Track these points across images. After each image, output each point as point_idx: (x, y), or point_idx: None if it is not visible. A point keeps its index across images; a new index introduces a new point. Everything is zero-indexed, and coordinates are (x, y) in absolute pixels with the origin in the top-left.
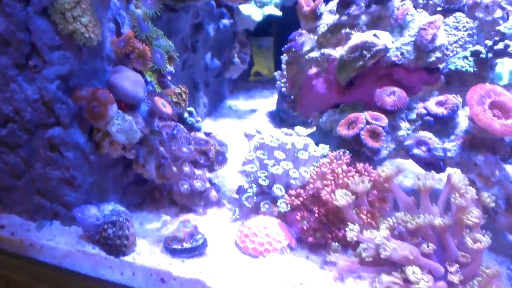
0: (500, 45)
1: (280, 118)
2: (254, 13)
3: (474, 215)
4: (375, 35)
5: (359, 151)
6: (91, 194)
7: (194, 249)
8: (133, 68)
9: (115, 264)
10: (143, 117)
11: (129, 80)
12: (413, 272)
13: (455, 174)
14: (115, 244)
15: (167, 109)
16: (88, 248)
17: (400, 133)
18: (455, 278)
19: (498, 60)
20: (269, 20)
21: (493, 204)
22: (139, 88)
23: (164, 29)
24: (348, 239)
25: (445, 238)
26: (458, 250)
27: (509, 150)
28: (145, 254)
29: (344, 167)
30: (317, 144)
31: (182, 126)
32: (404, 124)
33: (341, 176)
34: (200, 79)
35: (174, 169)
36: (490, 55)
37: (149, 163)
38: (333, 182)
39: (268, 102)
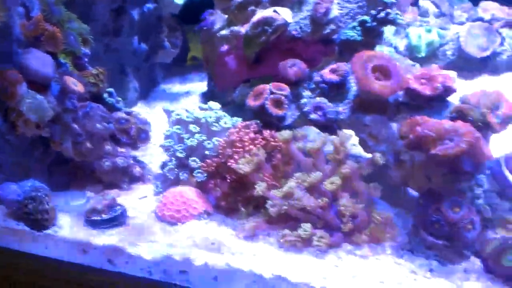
0: (382, 14)
1: (211, 97)
2: None
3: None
4: (275, 11)
5: (270, 121)
6: (15, 175)
7: (113, 219)
8: (45, 50)
9: (39, 238)
10: (55, 96)
11: (39, 61)
12: (304, 230)
13: (341, 133)
14: (36, 218)
15: (79, 88)
16: (13, 224)
17: (303, 101)
18: (346, 227)
19: (415, 33)
20: (203, 4)
21: (381, 162)
22: (48, 68)
23: (80, 13)
24: (255, 193)
25: (336, 192)
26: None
27: (395, 109)
28: (67, 227)
29: (252, 135)
30: (233, 117)
31: (99, 105)
32: (306, 93)
33: (247, 143)
34: (128, 63)
35: (89, 145)
36: (374, 23)
37: (66, 141)
38: (241, 150)
39: (203, 84)
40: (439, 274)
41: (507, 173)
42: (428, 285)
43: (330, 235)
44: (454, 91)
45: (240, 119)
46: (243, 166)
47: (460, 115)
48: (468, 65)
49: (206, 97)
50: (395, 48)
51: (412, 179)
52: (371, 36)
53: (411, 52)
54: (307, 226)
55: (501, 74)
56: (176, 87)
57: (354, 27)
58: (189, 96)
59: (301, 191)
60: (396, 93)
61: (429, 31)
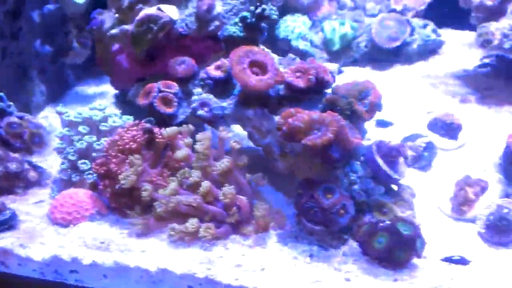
0: (259, 9)
1: (123, 97)
2: None
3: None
4: (159, 8)
5: (162, 119)
6: None
7: (2, 223)
8: None
9: None
10: None
11: None
12: (191, 223)
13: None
14: None
15: None
16: None
17: (194, 98)
18: (232, 218)
19: (329, 27)
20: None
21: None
22: None
23: None
24: (143, 199)
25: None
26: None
27: (277, 102)
28: None
29: (134, 133)
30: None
31: None
32: (197, 90)
33: (127, 142)
34: (32, 67)
35: None
36: (254, 19)
37: None
38: (122, 148)
39: None
40: (319, 259)
41: (378, 159)
42: (307, 269)
43: (217, 227)
44: (328, 82)
45: (131, 118)
46: (124, 181)
47: (330, 105)
48: (382, 56)
49: (118, 97)
50: (311, 42)
51: (296, 169)
52: (253, 31)
53: (326, 45)
54: (194, 220)
55: (414, 63)
56: (91, 88)
57: (236, 23)
58: (103, 97)
59: (184, 190)
60: (275, 87)
61: (342, 24)
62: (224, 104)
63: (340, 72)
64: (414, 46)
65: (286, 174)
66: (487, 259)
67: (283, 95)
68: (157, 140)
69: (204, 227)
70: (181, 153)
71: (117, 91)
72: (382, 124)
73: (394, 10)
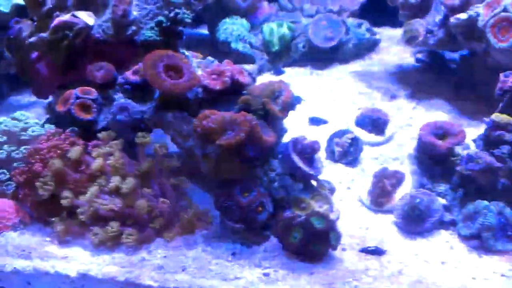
0: (172, 14)
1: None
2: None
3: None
4: (73, 14)
5: (83, 126)
6: None
7: None
8: None
9: None
10: None
11: None
12: (112, 228)
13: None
14: None
15: None
16: None
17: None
18: (156, 224)
19: (268, 28)
20: None
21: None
22: None
23: None
24: (64, 205)
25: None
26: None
27: (197, 105)
28: None
29: (53, 142)
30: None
31: None
32: (119, 95)
33: (46, 151)
34: None
35: None
36: (169, 23)
37: None
38: (39, 157)
39: None
40: (241, 256)
41: (294, 156)
42: (228, 267)
43: (141, 231)
44: (244, 83)
45: (52, 126)
46: (42, 189)
47: (244, 105)
48: (320, 55)
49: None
50: (251, 44)
51: (217, 170)
52: (170, 36)
53: (266, 47)
54: (114, 224)
55: (351, 62)
56: (26, 98)
57: (152, 28)
58: (38, 106)
59: (105, 195)
60: (193, 90)
61: (280, 25)
62: (144, 108)
63: (280, 72)
64: (350, 45)
65: (210, 175)
66: (402, 248)
67: (201, 97)
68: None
69: (126, 233)
70: (94, 166)
71: (51, 100)
72: (316, 122)
73: (331, 11)
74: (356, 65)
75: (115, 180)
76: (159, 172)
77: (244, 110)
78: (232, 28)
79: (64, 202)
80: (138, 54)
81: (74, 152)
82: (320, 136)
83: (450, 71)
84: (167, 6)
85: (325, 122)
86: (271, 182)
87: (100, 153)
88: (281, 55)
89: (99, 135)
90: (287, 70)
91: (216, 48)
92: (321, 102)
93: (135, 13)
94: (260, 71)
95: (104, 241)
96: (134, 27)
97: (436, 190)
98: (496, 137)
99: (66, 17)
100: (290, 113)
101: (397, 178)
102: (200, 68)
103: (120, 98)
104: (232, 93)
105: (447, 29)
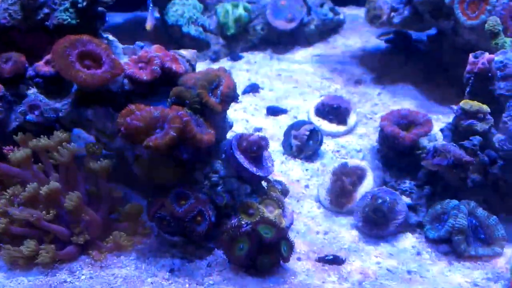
0: None
1: None
2: None
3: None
4: None
5: None
6: None
7: None
8: None
9: None
10: None
11: None
12: (27, 246)
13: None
14: None
15: None
16: None
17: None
18: (80, 239)
19: (223, 9)
20: None
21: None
22: None
23: None
24: None
25: (58, 201)
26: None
27: (124, 99)
28: None
29: None
30: None
31: None
32: (33, 91)
33: None
34: None
35: None
36: (85, 3)
37: None
38: None
39: None
40: (180, 273)
41: (239, 155)
42: (165, 286)
43: (61, 248)
44: (178, 72)
45: None
46: None
47: (178, 99)
48: (280, 38)
49: None
50: (204, 27)
51: (151, 174)
52: (89, 18)
53: (221, 30)
54: (31, 243)
55: (314, 44)
56: None
57: (66, 9)
58: None
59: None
60: (117, 81)
61: (235, 6)
62: (58, 104)
63: (238, 57)
64: (312, 26)
65: (144, 179)
66: (364, 256)
67: (128, 90)
68: None
69: (42, 249)
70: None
71: None
72: (274, 111)
73: None
74: (319, 48)
75: (30, 188)
76: (86, 178)
77: (177, 103)
78: (183, 9)
79: None
80: (53, 41)
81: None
82: (278, 127)
83: (417, 53)
84: None
85: (284, 111)
86: (213, 187)
87: (18, 157)
88: (238, 39)
89: (16, 137)
90: (245, 55)
91: (165, 33)
92: (281, 89)
93: None
94: (216, 57)
95: (16, 260)
96: (46, 10)
97: (400, 187)
98: (465, 127)
99: None
100: (247, 102)
101: (358, 175)
102: (126, 55)
103: (33, 94)
104: (165, 83)
105: (413, 7)
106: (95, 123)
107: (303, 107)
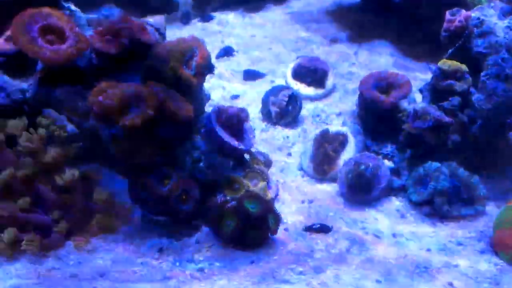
0: None
1: None
2: None
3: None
4: None
5: None
6: None
7: None
8: None
9: None
10: None
11: None
12: (8, 235)
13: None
14: None
15: None
16: None
17: None
18: (61, 228)
19: None
20: None
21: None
22: None
23: None
24: None
25: (33, 187)
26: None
27: (94, 75)
28: None
29: None
30: None
31: None
32: None
33: None
34: None
35: None
36: None
37: None
38: None
39: None
40: (169, 252)
41: (218, 129)
42: (155, 266)
43: (46, 235)
44: (148, 43)
45: None
46: None
47: (150, 72)
48: None
49: None
50: None
51: (130, 153)
52: None
53: None
54: (10, 231)
55: (286, 2)
56: None
57: None
58: None
59: None
60: (84, 56)
61: None
62: (25, 85)
63: (209, 18)
64: None
65: (122, 159)
66: (349, 222)
67: (97, 65)
68: None
69: (26, 239)
70: None
71: None
72: (251, 75)
73: None
74: (293, 4)
75: (5, 174)
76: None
77: (150, 78)
78: None
79: None
80: (11, 15)
81: None
82: (256, 93)
83: (393, 7)
84: None
85: (261, 75)
86: (195, 163)
87: None
88: None
89: None
90: (217, 15)
91: None
92: (256, 52)
93: None
94: (186, 18)
95: (2, 250)
96: None
97: (382, 151)
98: (444, 87)
99: None
100: (222, 68)
101: (340, 141)
102: (91, 27)
103: None
104: (135, 56)
105: None
106: (65, 102)
107: (279, 70)
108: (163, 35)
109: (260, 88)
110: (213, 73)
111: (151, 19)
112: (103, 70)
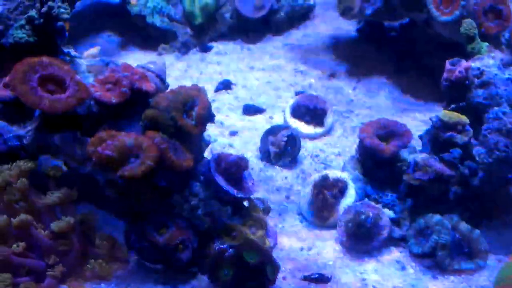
0: (45, 8)
1: None
2: None
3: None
4: None
5: None
6: None
7: None
8: None
9: None
10: None
11: None
12: (2, 282)
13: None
14: None
15: None
16: None
17: None
18: (56, 272)
19: None
20: None
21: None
22: None
23: None
24: None
25: (28, 232)
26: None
27: (93, 122)
28: None
29: None
30: None
31: None
32: None
33: None
34: None
35: None
36: (42, 20)
37: None
38: None
39: None
40: None
41: (218, 177)
42: None
43: (40, 280)
44: (149, 92)
45: None
46: None
47: (151, 122)
48: (250, 26)
49: None
50: (170, 16)
51: (126, 198)
52: (47, 35)
53: (188, 19)
54: (5, 277)
55: (284, 32)
56: None
57: (23, 26)
58: None
59: None
60: (84, 103)
61: None
62: (22, 131)
63: (207, 48)
64: (282, 13)
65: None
66: (349, 273)
67: (96, 112)
68: None
69: (23, 286)
70: None
71: None
72: (250, 110)
73: None
74: (291, 37)
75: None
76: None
77: (150, 127)
78: None
79: None
80: (9, 59)
81: None
82: (255, 130)
83: (390, 40)
84: None
85: (260, 110)
86: (193, 210)
87: None
88: (206, 28)
89: None
90: (215, 45)
91: (128, 23)
92: (254, 85)
93: None
94: (185, 48)
95: None
96: (0, 26)
97: (382, 200)
98: (445, 139)
99: None
100: (220, 102)
101: (339, 188)
102: (91, 74)
103: None
104: (135, 104)
105: None
106: (62, 149)
107: (278, 104)
108: (163, 81)
109: (258, 124)
110: (214, 122)
111: (151, 65)
112: (103, 116)
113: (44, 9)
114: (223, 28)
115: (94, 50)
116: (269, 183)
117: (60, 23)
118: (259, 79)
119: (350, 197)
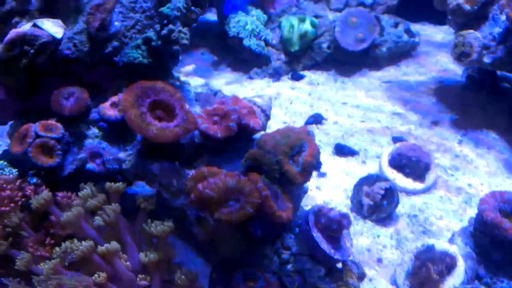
0: (164, 31)
1: None
2: None
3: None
4: (35, 24)
5: (43, 172)
6: None
7: None
8: None
9: None
10: None
11: None
12: None
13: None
14: None
15: None
16: None
17: (89, 141)
18: None
19: (287, 23)
20: None
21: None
22: None
23: None
24: (17, 267)
25: (113, 263)
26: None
27: (193, 153)
28: None
29: (9, 192)
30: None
31: None
32: (93, 131)
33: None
34: None
35: None
36: (159, 42)
37: None
38: None
39: None
40: None
41: (315, 233)
42: None
43: None
44: (255, 129)
45: (14, 171)
46: None
47: (254, 163)
48: (347, 59)
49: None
50: (266, 41)
51: (215, 240)
52: (162, 57)
53: (284, 45)
54: None
55: (383, 68)
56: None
57: (138, 46)
58: None
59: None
60: (187, 135)
61: (302, 20)
62: (122, 155)
63: (299, 77)
64: (384, 48)
65: (204, 242)
66: None
67: (200, 143)
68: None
69: None
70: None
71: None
72: (343, 152)
73: (362, 3)
74: (389, 73)
75: (84, 247)
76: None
77: (252, 168)
78: (246, 21)
79: (19, 263)
80: (120, 78)
81: (38, 202)
82: (345, 174)
83: (503, 92)
84: (159, 17)
85: (354, 152)
86: (283, 265)
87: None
88: (301, 56)
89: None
90: (307, 74)
91: (224, 44)
92: (346, 122)
93: (117, 23)
94: (277, 74)
95: None
96: (115, 43)
97: (496, 287)
98: None
99: (25, 27)
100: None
101: (447, 264)
102: (198, 103)
103: (93, 135)
104: (238, 139)
105: (508, 46)
106: (159, 178)
107: (372, 149)
108: (267, 116)
109: (350, 168)
110: (319, 171)
111: (259, 100)
112: (203, 149)
113: (164, 32)
114: (318, 57)
115: (189, 68)
116: (359, 239)
117: (176, 47)
118: (353, 116)
119: (458, 277)
